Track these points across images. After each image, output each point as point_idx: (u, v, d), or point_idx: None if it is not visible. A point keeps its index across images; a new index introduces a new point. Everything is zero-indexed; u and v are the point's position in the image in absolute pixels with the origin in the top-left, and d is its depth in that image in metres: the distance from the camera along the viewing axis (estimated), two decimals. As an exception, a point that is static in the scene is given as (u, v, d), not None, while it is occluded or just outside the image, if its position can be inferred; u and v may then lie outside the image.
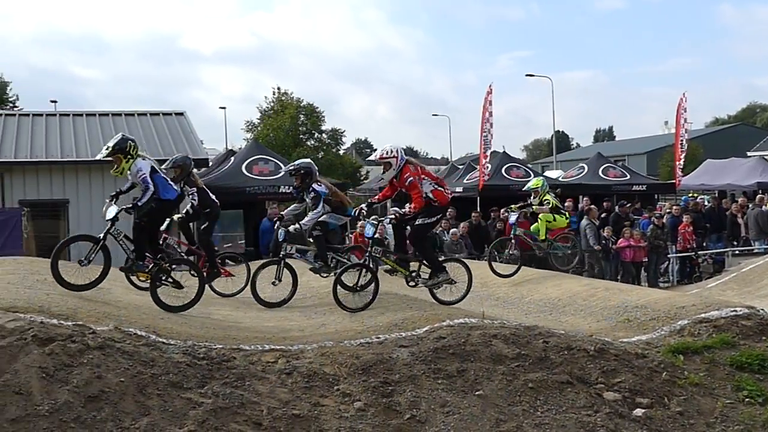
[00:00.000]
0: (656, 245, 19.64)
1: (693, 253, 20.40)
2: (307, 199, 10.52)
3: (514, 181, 24.55)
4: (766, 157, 34.04)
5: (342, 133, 51.87)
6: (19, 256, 9.00)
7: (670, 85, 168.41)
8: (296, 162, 11.16)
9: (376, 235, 10.33)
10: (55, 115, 23.00)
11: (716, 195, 28.18)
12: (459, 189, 27.43)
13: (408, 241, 10.36)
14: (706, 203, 24.53)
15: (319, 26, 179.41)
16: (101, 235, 9.16)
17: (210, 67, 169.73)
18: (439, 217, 10.33)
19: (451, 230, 18.53)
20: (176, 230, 11.46)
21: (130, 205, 9.24)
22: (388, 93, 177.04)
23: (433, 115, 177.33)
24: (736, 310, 9.06)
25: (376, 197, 10.71)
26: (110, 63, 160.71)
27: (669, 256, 20.21)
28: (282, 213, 10.82)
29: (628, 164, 41.63)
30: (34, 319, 7.03)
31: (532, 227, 13.60)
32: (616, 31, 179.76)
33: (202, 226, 11.23)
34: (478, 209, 21.52)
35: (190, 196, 11.03)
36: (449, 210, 20.85)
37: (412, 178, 9.68)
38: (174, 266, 9.67)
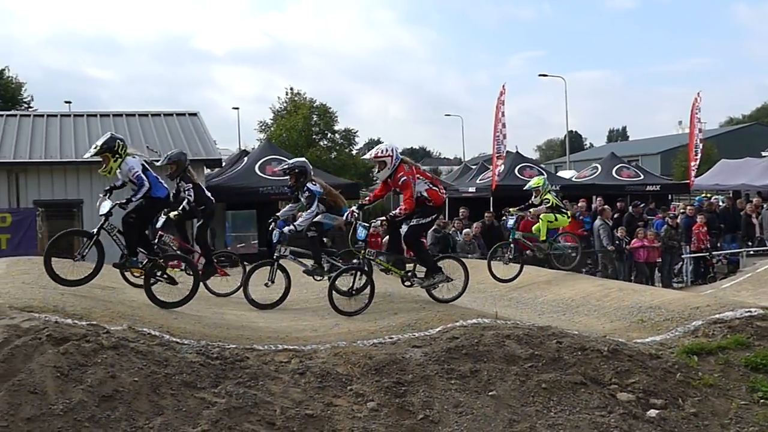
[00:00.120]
0: (670, 245, 19.54)
1: (707, 254, 20.31)
2: (302, 199, 10.41)
3: (527, 181, 24.47)
4: (780, 156, 33.87)
5: (355, 133, 51.84)
6: (33, 256, 9.01)
7: (684, 84, 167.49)
8: (290, 161, 11.13)
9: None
10: (69, 115, 23.17)
11: (731, 195, 28.02)
12: (472, 189, 27.47)
13: (403, 242, 10.14)
14: (720, 203, 24.41)
15: (331, 26, 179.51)
16: (94, 231, 9.12)
17: (223, 67, 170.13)
18: (434, 217, 10.17)
19: (464, 230, 18.52)
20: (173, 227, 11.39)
21: (124, 201, 9.15)
22: (400, 93, 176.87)
23: (446, 115, 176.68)
24: (750, 311, 9.01)
25: (367, 198, 10.52)
26: (124, 64, 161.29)
27: (683, 256, 20.09)
28: (277, 214, 10.73)
29: (641, 164, 41.60)
30: (48, 319, 7.07)
31: (533, 228, 13.49)
32: (629, 30, 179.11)
33: (198, 224, 11.19)
34: (491, 209, 21.48)
35: (186, 193, 10.95)
36: (462, 210, 20.94)
37: (405, 178, 9.55)
38: (169, 262, 9.65)
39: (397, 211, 9.67)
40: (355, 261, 9.98)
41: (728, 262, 20.64)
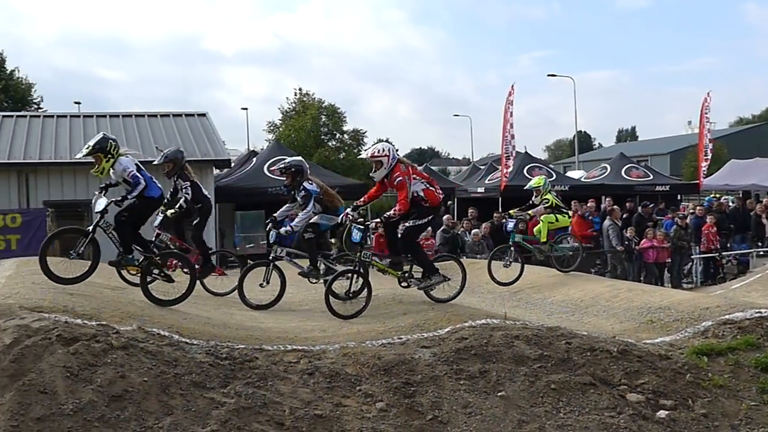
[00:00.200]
0: (680, 246, 19.49)
1: (717, 254, 20.23)
2: (298, 198, 10.39)
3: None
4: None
5: (363, 133, 51.80)
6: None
7: (694, 84, 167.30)
8: (287, 160, 11.09)
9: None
10: (79, 116, 23.25)
11: (740, 195, 27.94)
12: (481, 189, 27.49)
13: (399, 243, 10.06)
14: (730, 204, 24.33)
15: (340, 27, 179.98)
16: (90, 228, 9.09)
17: (232, 68, 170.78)
18: (430, 218, 9.99)
19: (473, 231, 18.51)
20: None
21: (120, 198, 9.11)
22: (409, 93, 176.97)
23: (455, 115, 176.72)
24: (760, 312, 8.97)
25: (362, 199, 10.20)
26: (133, 64, 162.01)
27: (692, 257, 20.03)
28: (275, 214, 10.69)
29: (651, 164, 41.48)
30: (58, 319, 7.09)
31: (534, 229, 13.40)
32: (638, 30, 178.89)
33: (194, 222, 11.14)
34: (500, 210, 21.47)
35: (183, 191, 10.91)
36: (470, 210, 20.93)
37: (401, 178, 9.45)
38: (165, 259, 9.64)
39: (392, 212, 9.56)
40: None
41: (738, 262, 20.59)
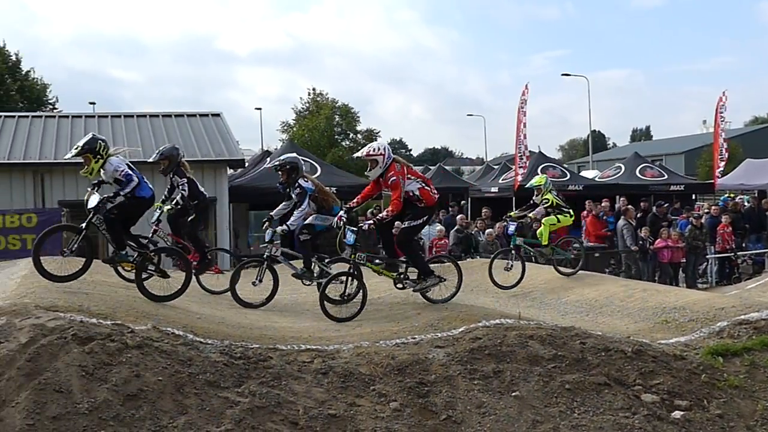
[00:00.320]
0: (695, 246, 19.42)
1: (732, 254, 20.14)
2: (293, 195, 10.33)
3: (550, 180, 24.41)
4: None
5: (377, 133, 51.85)
6: (58, 256, 9.05)
7: (709, 83, 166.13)
8: (282, 157, 11.03)
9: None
10: (93, 116, 23.32)
11: (756, 195, 27.76)
12: (494, 189, 27.44)
13: (395, 244, 9.97)
14: (745, 203, 24.18)
15: (353, 27, 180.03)
16: (83, 225, 9.08)
17: (245, 68, 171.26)
18: (426, 218, 9.88)
19: (487, 230, 18.46)
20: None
21: (112, 195, 9.09)
22: (422, 93, 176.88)
23: (468, 115, 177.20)
24: (776, 312, 8.94)
25: (355, 200, 10.13)
26: (147, 65, 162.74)
27: (708, 256, 19.95)
28: (271, 213, 10.63)
29: (665, 164, 41.34)
30: (74, 319, 7.13)
31: (537, 232, 13.22)
32: (653, 29, 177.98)
33: (190, 218, 11.09)
34: (514, 209, 21.38)
35: (180, 187, 10.84)
36: (484, 210, 20.88)
37: (395, 178, 9.33)
38: (159, 255, 9.60)
39: (385, 213, 9.49)
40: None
41: (753, 262, 20.49)
